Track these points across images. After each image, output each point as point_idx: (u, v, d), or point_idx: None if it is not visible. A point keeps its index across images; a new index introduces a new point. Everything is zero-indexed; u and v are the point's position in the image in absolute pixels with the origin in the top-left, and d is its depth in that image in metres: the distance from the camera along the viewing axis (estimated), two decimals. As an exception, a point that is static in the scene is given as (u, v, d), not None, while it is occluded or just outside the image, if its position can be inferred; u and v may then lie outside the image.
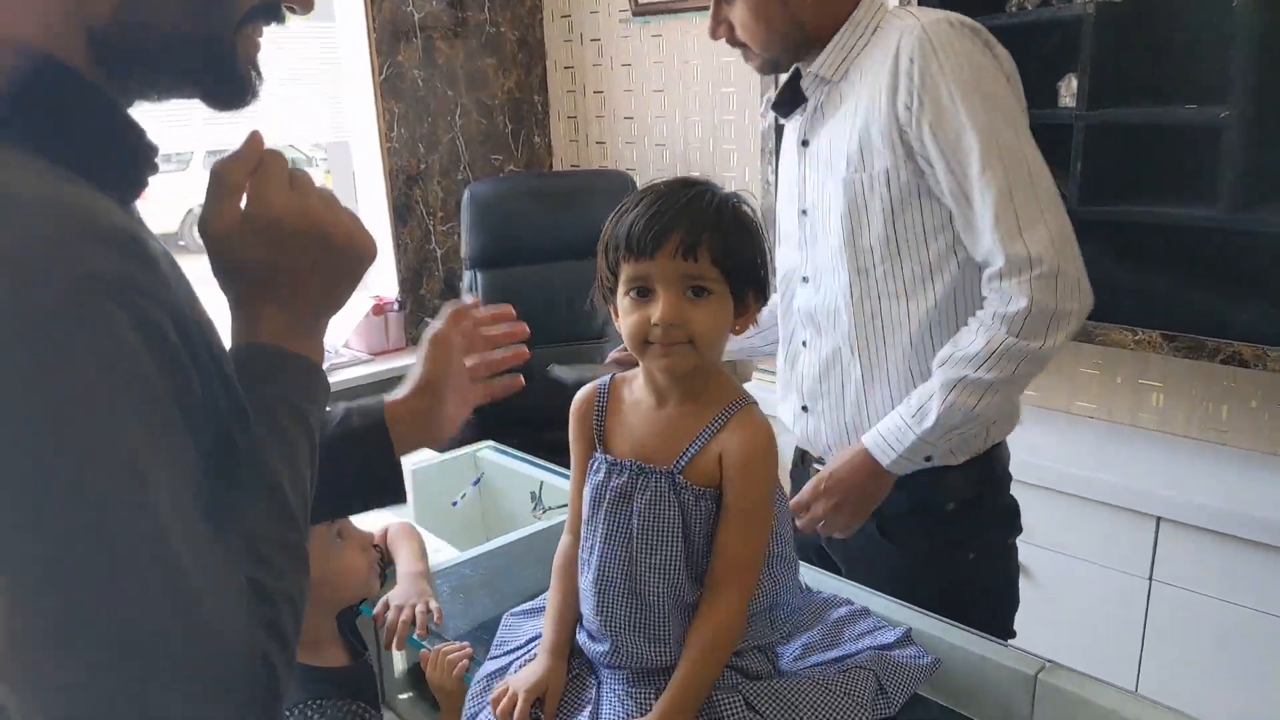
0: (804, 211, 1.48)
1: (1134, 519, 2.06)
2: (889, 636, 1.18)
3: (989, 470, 1.49)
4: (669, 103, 3.26)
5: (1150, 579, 2.08)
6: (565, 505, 1.62)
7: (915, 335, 1.40)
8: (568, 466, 1.16)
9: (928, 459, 1.35)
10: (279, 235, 0.68)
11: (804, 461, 1.62)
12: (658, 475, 1.04)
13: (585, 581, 1.10)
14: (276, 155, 0.71)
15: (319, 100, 3.32)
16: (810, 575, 1.36)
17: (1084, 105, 2.09)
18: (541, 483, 1.78)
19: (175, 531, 0.54)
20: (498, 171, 3.56)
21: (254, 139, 0.70)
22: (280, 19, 0.70)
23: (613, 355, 1.73)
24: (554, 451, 1.85)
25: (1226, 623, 2.00)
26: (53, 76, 0.60)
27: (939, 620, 1.25)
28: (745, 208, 1.05)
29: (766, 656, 1.12)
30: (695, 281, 0.99)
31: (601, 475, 1.08)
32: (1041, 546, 2.18)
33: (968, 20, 1.33)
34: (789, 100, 1.49)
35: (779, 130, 2.53)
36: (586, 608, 1.10)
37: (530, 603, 1.27)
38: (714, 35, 1.44)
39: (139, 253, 0.56)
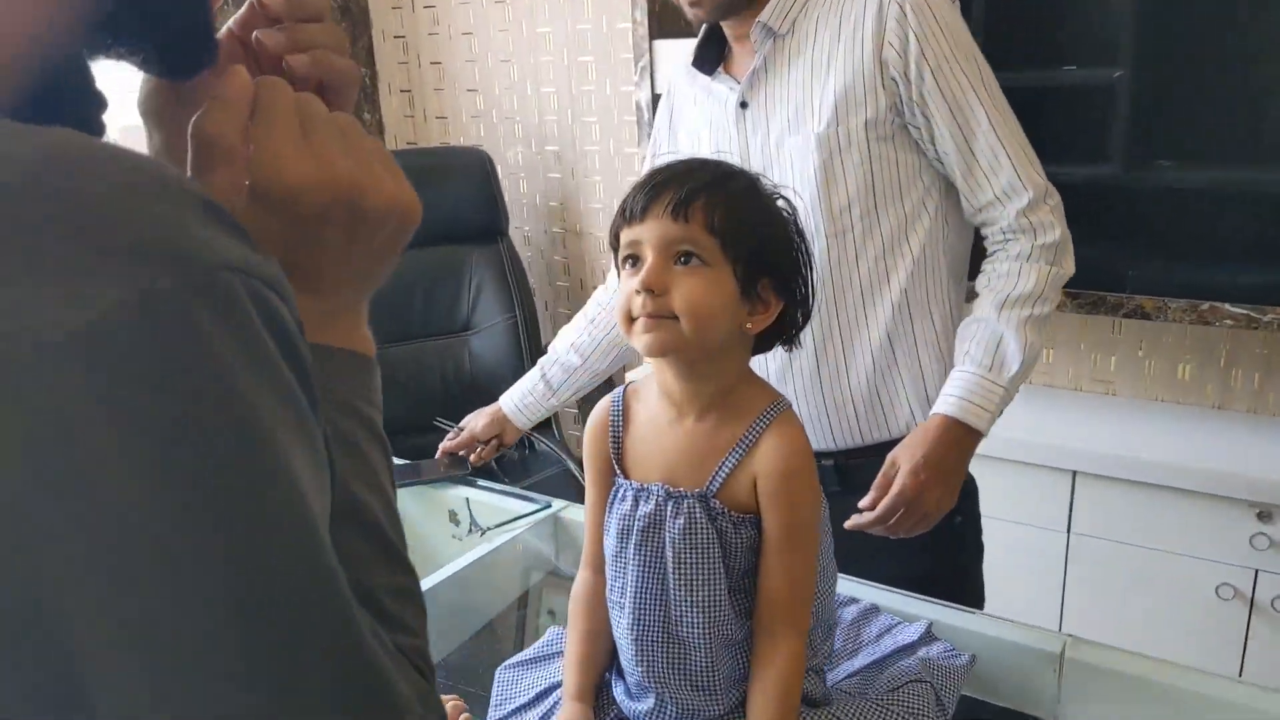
0: None
1: (1051, 475, 2.11)
2: (912, 634, 1.11)
3: None
4: (519, 73, 3.08)
5: (1069, 531, 2.13)
6: (505, 524, 1.49)
7: (897, 295, 1.36)
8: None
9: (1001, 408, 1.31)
10: (300, 211, 0.51)
11: None
12: (690, 499, 0.91)
13: (620, 628, 0.96)
14: (277, 91, 0.52)
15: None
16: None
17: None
18: (467, 499, 1.60)
19: (335, 565, 0.41)
20: (329, 152, 3.27)
21: (237, 77, 0.51)
22: None
23: (444, 446, 1.64)
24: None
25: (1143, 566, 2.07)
26: None
27: (947, 607, 1.20)
28: (778, 196, 0.95)
29: (820, 677, 1.02)
30: (683, 246, 0.88)
31: (629, 504, 0.94)
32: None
33: None
34: (711, 58, 1.42)
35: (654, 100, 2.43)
36: (625, 657, 0.97)
37: (523, 653, 1.12)
38: None
39: (230, 218, 0.40)
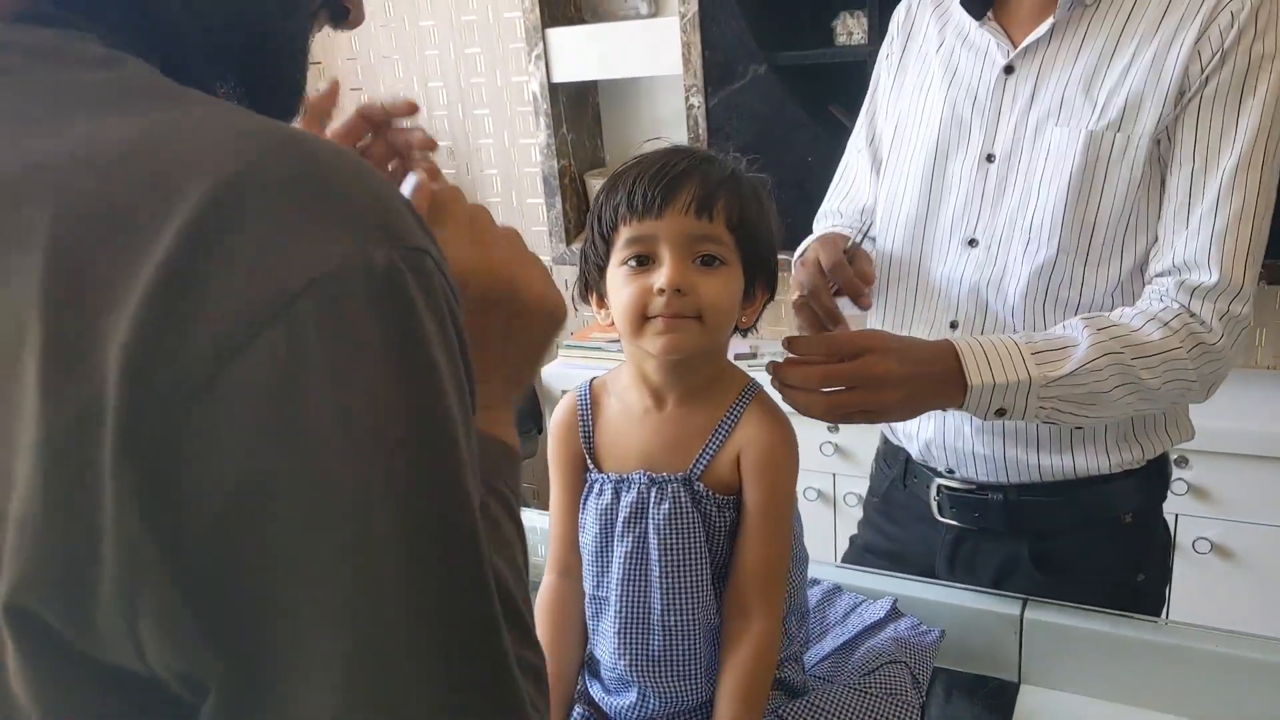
0: (989, 157, 1.15)
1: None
2: (878, 611, 1.11)
3: (1163, 474, 1.25)
4: (404, 70, 2.99)
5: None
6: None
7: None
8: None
9: (1001, 413, 1.02)
10: (467, 294, 0.57)
11: (907, 473, 1.33)
12: (675, 484, 0.90)
13: (604, 624, 0.94)
14: (452, 194, 0.63)
15: None
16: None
17: (877, 41, 2.11)
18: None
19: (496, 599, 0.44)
20: (207, 160, 3.14)
21: (421, 185, 0.63)
22: (336, 21, 0.61)
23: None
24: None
25: None
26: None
27: (910, 580, 1.20)
28: (757, 175, 0.93)
29: (799, 664, 1.02)
30: (707, 246, 0.86)
31: (608, 496, 0.92)
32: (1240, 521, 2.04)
33: None
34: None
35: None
36: (606, 652, 0.95)
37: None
38: None
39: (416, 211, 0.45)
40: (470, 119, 2.93)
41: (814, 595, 1.17)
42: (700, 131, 2.36)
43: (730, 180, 0.88)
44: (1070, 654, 1.08)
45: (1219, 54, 1.01)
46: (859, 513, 2.31)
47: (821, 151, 2.24)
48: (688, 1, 2.27)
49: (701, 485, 0.91)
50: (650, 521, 0.90)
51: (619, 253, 0.88)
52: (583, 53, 2.50)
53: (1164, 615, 1.25)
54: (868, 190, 1.34)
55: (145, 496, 0.36)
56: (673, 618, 0.91)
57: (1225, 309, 1.02)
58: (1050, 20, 1.10)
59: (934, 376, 1.00)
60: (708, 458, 0.91)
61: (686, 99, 2.37)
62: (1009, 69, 1.13)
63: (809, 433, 2.23)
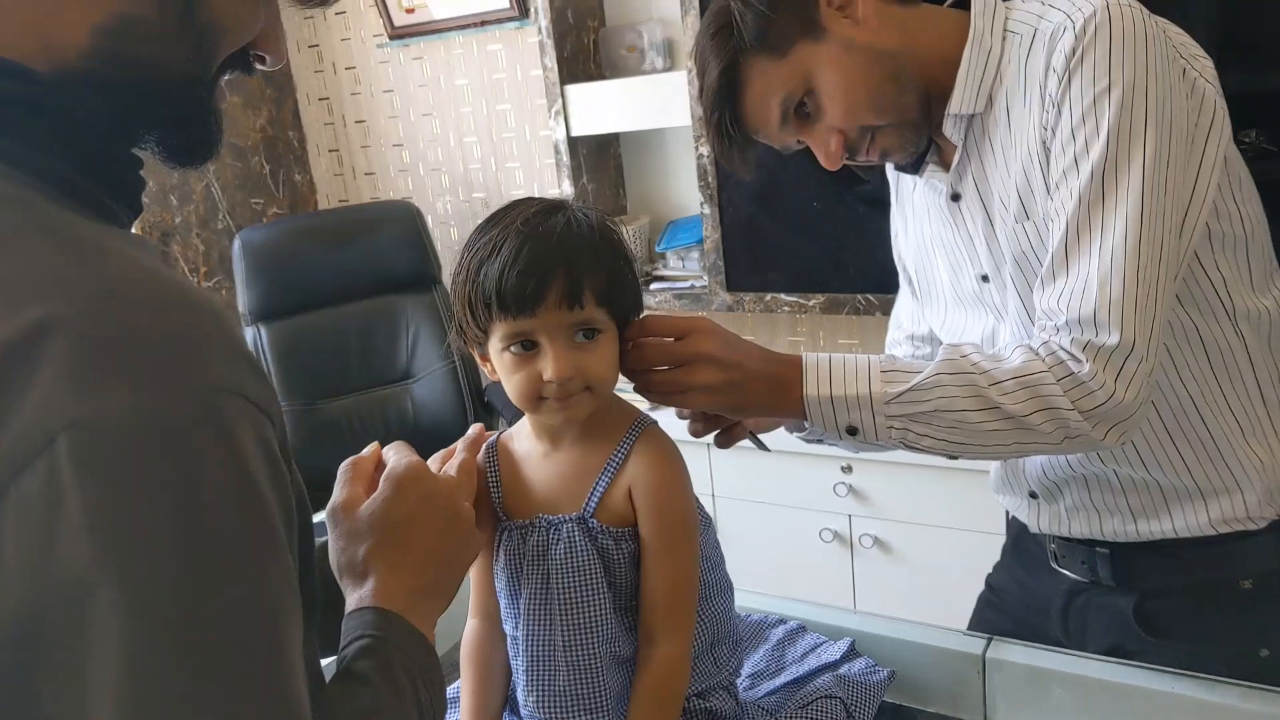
0: (984, 277, 1.15)
1: None
2: (835, 652, 1.14)
3: None
4: (441, 126, 3.12)
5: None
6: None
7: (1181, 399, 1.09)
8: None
9: (852, 431, 1.00)
10: (413, 495, 0.83)
11: (1034, 546, 1.28)
12: (569, 523, 0.94)
13: (516, 663, 0.99)
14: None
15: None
16: (739, 597, 1.29)
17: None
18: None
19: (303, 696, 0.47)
20: (260, 216, 3.30)
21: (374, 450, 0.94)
22: (250, 70, 0.62)
23: None
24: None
25: None
26: (49, 86, 0.51)
27: (876, 616, 1.22)
28: (608, 221, 0.95)
29: (730, 693, 1.05)
30: (583, 330, 0.90)
31: (515, 542, 0.97)
32: None
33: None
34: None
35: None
36: (520, 690, 0.99)
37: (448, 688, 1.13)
38: (831, 162, 1.10)
39: (248, 354, 0.49)
40: (502, 171, 3.04)
41: (777, 633, 1.20)
42: (710, 179, 2.42)
43: (589, 251, 0.89)
44: (1034, 693, 1.08)
45: (1061, 80, 0.98)
46: (876, 554, 2.35)
47: (827, 198, 2.29)
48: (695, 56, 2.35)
49: (596, 521, 0.94)
50: (551, 562, 0.94)
51: (499, 339, 0.91)
52: (600, 107, 2.60)
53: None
54: (909, 318, 1.38)
55: None
56: (575, 653, 0.94)
57: (1128, 370, 0.94)
58: (959, 149, 1.10)
59: (764, 375, 1.00)
60: (599, 494, 0.94)
61: (696, 149, 2.44)
62: (955, 196, 1.14)
63: (821, 474, 2.27)
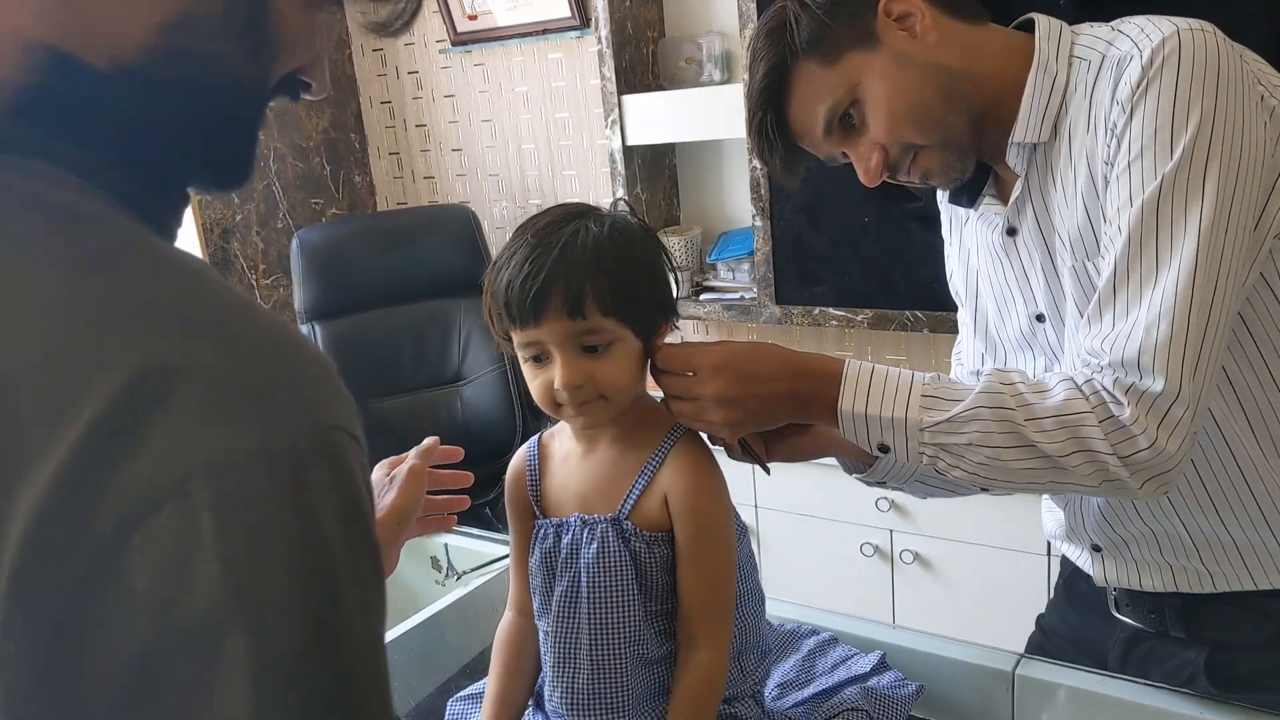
0: (1039, 317, 1.11)
1: None
2: (865, 665, 1.14)
3: None
4: (499, 132, 3.17)
5: None
6: (481, 567, 1.54)
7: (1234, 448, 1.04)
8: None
9: (884, 449, 0.99)
10: None
11: (1089, 589, 1.22)
12: (604, 524, 0.96)
13: (547, 659, 1.01)
14: None
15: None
16: (770, 606, 1.30)
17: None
18: (445, 545, 1.65)
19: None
20: (319, 216, 3.37)
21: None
22: (295, 96, 0.60)
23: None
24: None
25: None
26: (106, 85, 0.49)
27: (907, 630, 1.23)
28: (630, 228, 0.94)
29: (757, 702, 1.06)
30: (589, 339, 0.91)
31: (550, 540, 0.99)
32: None
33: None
34: (969, 185, 1.12)
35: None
36: (547, 686, 1.01)
37: (474, 686, 1.16)
38: (870, 179, 1.07)
39: (342, 384, 0.49)
40: (559, 178, 3.08)
41: (809, 644, 1.20)
42: (762, 191, 2.43)
43: (594, 261, 0.89)
44: (1062, 712, 1.08)
45: (1116, 140, 0.94)
46: (917, 570, 2.34)
47: (878, 214, 2.29)
48: (752, 69, 2.37)
49: (630, 524, 0.95)
50: (582, 561, 0.96)
51: (517, 346, 0.94)
52: (656, 117, 2.62)
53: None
54: (971, 355, 1.31)
55: (39, 653, 0.40)
56: (600, 651, 0.95)
57: (1173, 418, 0.89)
58: (1019, 182, 1.06)
59: (785, 395, 0.99)
60: (634, 497, 0.96)
61: (750, 161, 2.45)
62: (1011, 231, 1.10)
63: (864, 488, 2.14)
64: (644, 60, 2.72)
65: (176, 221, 0.57)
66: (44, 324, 0.43)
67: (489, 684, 1.06)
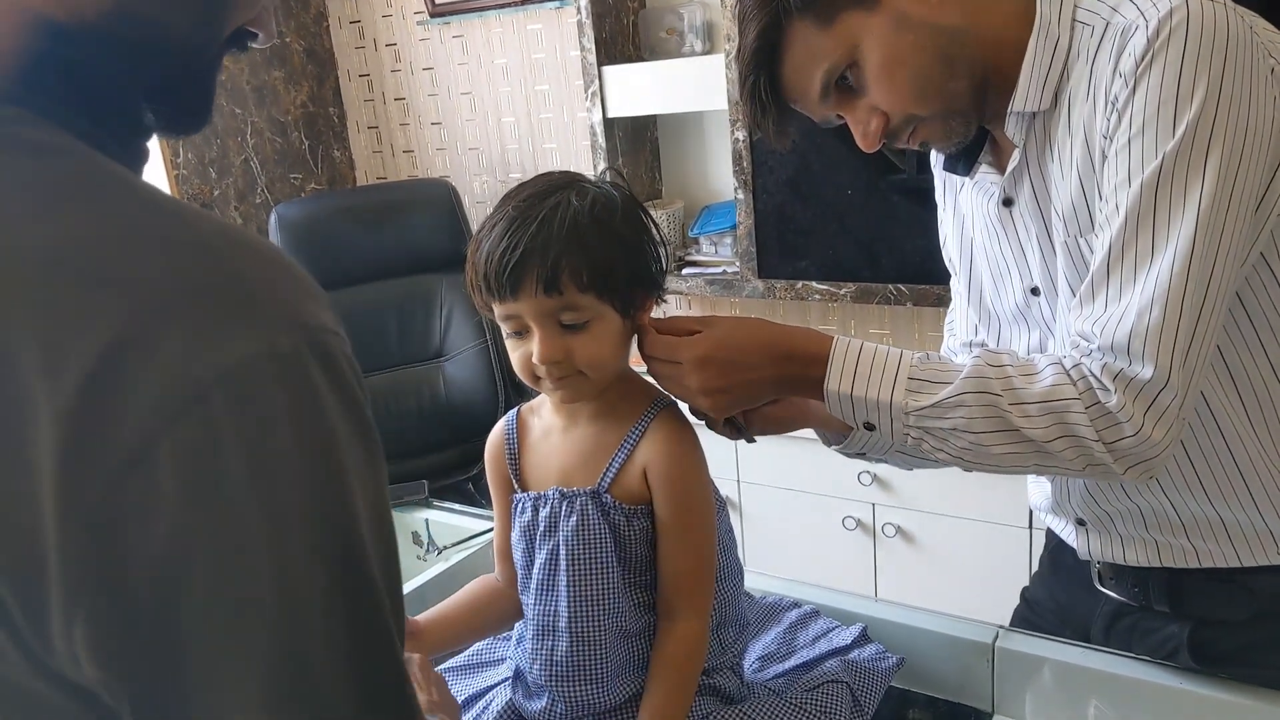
0: (1034, 290, 1.09)
1: None
2: (846, 637, 1.14)
3: None
4: (479, 105, 3.14)
5: None
6: (462, 542, 1.53)
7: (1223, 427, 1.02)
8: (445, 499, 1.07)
9: (869, 426, 0.98)
10: None
11: (1074, 561, 1.22)
12: (583, 497, 0.96)
13: (528, 630, 1.01)
14: None
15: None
16: (752, 579, 1.29)
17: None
18: (426, 520, 1.64)
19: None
20: (299, 191, 3.33)
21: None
22: (244, 48, 0.63)
23: None
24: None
25: None
26: (70, 39, 0.52)
27: (888, 603, 1.23)
28: (613, 201, 0.93)
29: (735, 673, 1.06)
30: (567, 315, 0.90)
31: (529, 514, 0.99)
32: None
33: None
34: (966, 150, 1.09)
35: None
36: (526, 658, 1.01)
37: (455, 659, 1.16)
38: (869, 144, 1.04)
39: (322, 290, 0.53)
40: (539, 151, 3.05)
41: (791, 616, 1.21)
42: (745, 164, 2.41)
43: (572, 237, 0.88)
44: (1043, 684, 1.09)
45: (1116, 113, 0.91)
46: (899, 543, 2.35)
47: (861, 187, 2.28)
48: (734, 39, 2.34)
49: (609, 497, 0.95)
50: (560, 534, 0.96)
51: (499, 319, 0.93)
52: (637, 89, 2.59)
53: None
54: (964, 326, 1.29)
55: (86, 544, 0.43)
56: (579, 624, 0.96)
57: (1158, 406, 0.88)
58: (1016, 152, 1.03)
59: (771, 379, 0.99)
60: (614, 471, 0.96)
61: (732, 133, 2.43)
62: (1007, 201, 1.07)
63: (846, 462, 2.16)
64: (624, 31, 2.69)
65: (139, 166, 0.61)
66: (38, 246, 0.46)
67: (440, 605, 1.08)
